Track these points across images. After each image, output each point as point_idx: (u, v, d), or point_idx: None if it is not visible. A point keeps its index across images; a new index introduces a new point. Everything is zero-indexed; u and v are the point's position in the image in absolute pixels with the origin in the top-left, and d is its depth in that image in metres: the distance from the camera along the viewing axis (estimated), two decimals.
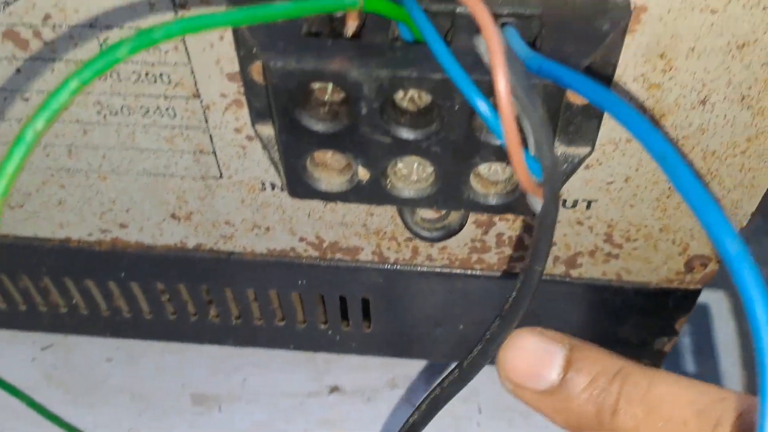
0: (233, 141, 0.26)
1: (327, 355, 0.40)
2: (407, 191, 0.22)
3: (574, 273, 0.30)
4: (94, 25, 0.23)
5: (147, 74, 0.24)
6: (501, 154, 0.21)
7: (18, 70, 0.25)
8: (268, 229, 0.30)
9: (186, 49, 0.23)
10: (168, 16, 0.22)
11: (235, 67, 0.24)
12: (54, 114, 0.15)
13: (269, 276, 0.32)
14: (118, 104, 0.26)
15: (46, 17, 0.23)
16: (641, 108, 0.23)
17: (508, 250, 0.29)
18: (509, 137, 0.17)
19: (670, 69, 0.22)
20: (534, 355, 0.20)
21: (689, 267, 0.29)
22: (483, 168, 0.22)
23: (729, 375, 0.41)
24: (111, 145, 0.27)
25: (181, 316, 0.36)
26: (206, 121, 0.26)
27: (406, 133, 0.20)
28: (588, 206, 0.27)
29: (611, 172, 0.26)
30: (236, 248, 0.31)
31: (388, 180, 0.22)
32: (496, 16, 0.20)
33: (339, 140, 0.21)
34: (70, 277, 0.34)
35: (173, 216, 0.30)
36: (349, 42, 0.20)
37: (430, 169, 0.22)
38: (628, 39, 0.21)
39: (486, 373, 0.22)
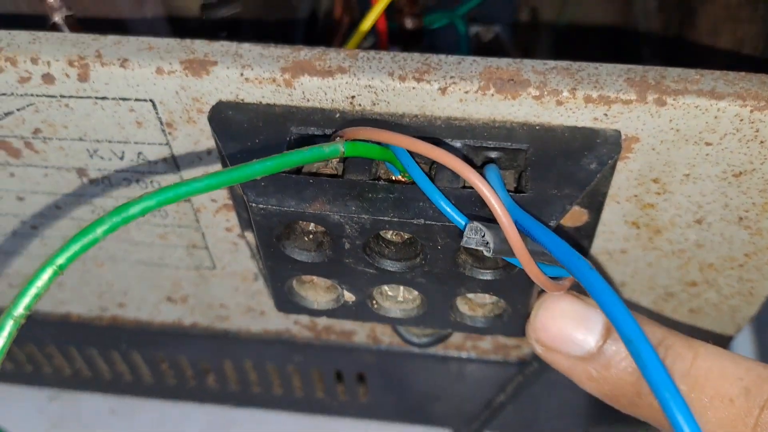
0: (225, 238, 0.26)
1: None
2: (394, 312, 0.22)
3: None
4: (84, 138, 0.23)
5: (138, 181, 0.24)
6: (486, 286, 0.20)
7: (11, 174, 0.25)
8: (262, 312, 0.30)
9: (175, 161, 0.23)
10: (156, 134, 0.22)
11: None
12: (32, 301, 0.15)
13: (265, 352, 0.32)
14: (110, 205, 0.26)
15: (36, 131, 0.23)
16: (635, 225, 0.23)
17: (502, 338, 0.29)
18: (535, 278, 0.18)
19: (665, 192, 0.22)
20: (571, 319, 0.19)
21: None
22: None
23: None
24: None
25: (180, 380, 0.36)
26: (197, 221, 0.26)
27: (391, 266, 0.20)
28: None
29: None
30: (232, 327, 0.31)
31: (375, 301, 0.22)
32: (483, 149, 0.20)
33: (323, 268, 0.21)
34: (73, 346, 0.35)
35: (169, 299, 0.30)
36: (330, 181, 0.19)
37: (416, 293, 0.22)
38: (620, 165, 0.21)
39: None
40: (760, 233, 0.22)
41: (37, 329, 0.33)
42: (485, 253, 0.17)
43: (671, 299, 0.26)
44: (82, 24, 0.26)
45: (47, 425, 0.41)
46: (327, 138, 0.20)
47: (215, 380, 0.36)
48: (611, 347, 0.18)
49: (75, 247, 0.15)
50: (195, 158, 0.23)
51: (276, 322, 0.30)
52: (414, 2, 0.33)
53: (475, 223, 0.17)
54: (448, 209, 0.18)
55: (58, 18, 0.26)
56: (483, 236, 0.17)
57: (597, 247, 0.24)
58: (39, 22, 0.25)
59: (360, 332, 0.30)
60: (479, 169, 0.19)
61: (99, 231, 0.15)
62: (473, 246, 0.17)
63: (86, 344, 0.34)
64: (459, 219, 0.18)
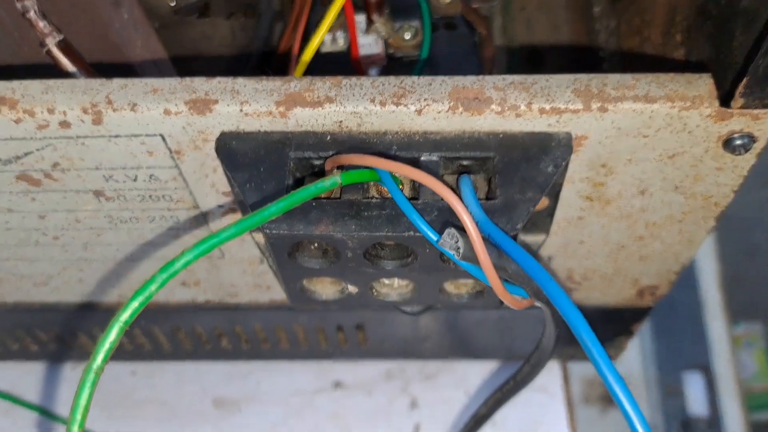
0: None
1: None
2: (392, 296, 0.26)
3: None
4: (99, 167, 0.26)
5: (150, 196, 0.27)
6: (468, 274, 0.24)
7: (33, 199, 0.28)
8: (268, 287, 0.34)
9: (184, 179, 0.26)
10: (165, 160, 0.25)
11: (228, 187, 0.26)
12: (106, 355, 0.18)
13: (273, 317, 0.36)
14: (127, 216, 0.28)
15: (55, 165, 0.26)
16: (588, 198, 0.27)
17: None
18: (496, 289, 0.21)
19: (612, 173, 0.25)
20: None
21: (640, 294, 0.33)
22: None
23: None
24: (123, 242, 0.30)
25: (196, 345, 0.40)
26: (207, 223, 0.29)
27: (387, 265, 0.24)
28: (549, 260, 0.31)
29: (567, 239, 0.29)
30: (241, 301, 0.35)
31: (374, 290, 0.26)
32: (456, 159, 0.23)
33: (329, 271, 0.24)
34: (96, 326, 0.38)
35: (183, 284, 0.33)
36: (330, 202, 0.23)
37: (409, 280, 0.26)
38: (572, 156, 0.24)
39: None
40: (694, 196, 0.26)
41: (60, 317, 0.37)
42: (455, 256, 0.21)
43: (623, 250, 0.30)
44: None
45: (71, 395, 0.45)
46: (321, 160, 0.23)
47: (229, 342, 0.40)
48: None
49: (135, 304, 0.19)
50: (202, 176, 0.26)
51: (281, 293, 0.34)
52: None
53: (452, 229, 0.21)
54: (423, 226, 0.22)
55: (50, 44, 0.28)
56: (456, 242, 0.20)
57: (558, 216, 0.28)
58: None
59: None
60: (455, 180, 0.23)
61: (153, 288, 0.19)
62: (446, 249, 0.21)
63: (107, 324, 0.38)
64: (431, 235, 0.21)
